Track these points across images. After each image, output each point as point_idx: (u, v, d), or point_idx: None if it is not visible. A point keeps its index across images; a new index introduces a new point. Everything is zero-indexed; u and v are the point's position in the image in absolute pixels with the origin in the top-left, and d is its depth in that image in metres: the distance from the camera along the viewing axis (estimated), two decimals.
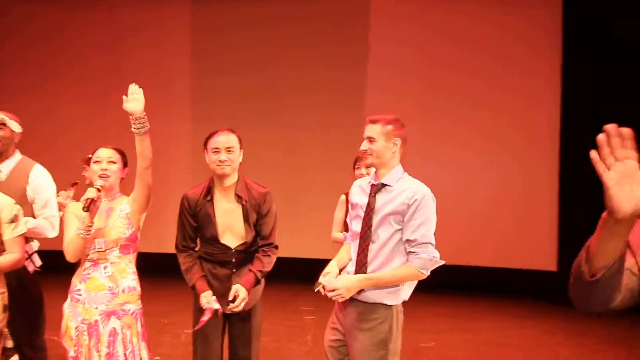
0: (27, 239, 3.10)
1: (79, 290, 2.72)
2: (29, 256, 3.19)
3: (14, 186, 3.14)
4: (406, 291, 2.60)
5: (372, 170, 2.72)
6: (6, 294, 2.75)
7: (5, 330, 2.79)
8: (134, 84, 2.63)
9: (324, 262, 2.76)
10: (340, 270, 2.66)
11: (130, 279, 2.77)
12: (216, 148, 2.83)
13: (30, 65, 8.22)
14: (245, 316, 2.92)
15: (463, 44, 7.30)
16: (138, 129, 2.63)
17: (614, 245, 1.26)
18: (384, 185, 2.54)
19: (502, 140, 7.26)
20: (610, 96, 6.20)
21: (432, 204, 2.50)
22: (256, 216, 2.91)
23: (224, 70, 7.96)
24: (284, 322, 5.58)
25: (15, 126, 3.28)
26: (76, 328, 2.69)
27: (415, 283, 2.63)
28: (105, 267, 2.70)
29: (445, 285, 7.13)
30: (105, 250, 2.70)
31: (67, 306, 2.76)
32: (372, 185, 2.58)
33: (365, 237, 2.53)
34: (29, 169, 3.26)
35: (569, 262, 1.44)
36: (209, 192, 2.91)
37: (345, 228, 3.25)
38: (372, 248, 2.52)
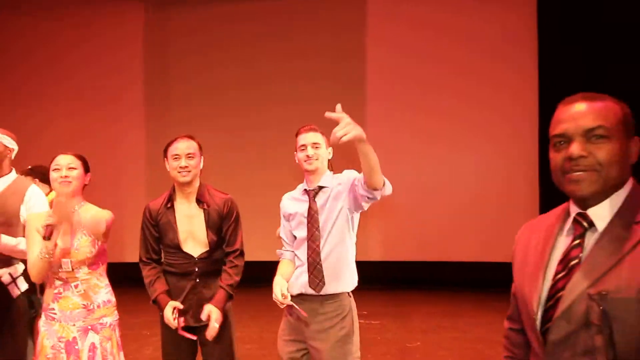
0: (12, 260, 3.01)
1: (53, 309, 2.64)
2: (14, 280, 3.05)
3: (8, 204, 3.05)
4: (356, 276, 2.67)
5: None
6: None
7: None
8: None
9: None
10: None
11: (103, 292, 2.71)
12: (176, 155, 2.80)
13: None
14: (218, 334, 2.79)
15: (443, 38, 7.31)
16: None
17: None
18: (321, 187, 2.63)
19: (485, 134, 7.29)
20: (587, 86, 6.20)
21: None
22: (219, 222, 2.86)
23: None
24: (269, 328, 5.49)
25: (9, 142, 3.17)
26: (52, 347, 2.61)
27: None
28: (76, 286, 2.63)
29: (430, 282, 7.13)
30: (73, 270, 2.62)
31: (42, 324, 2.68)
32: (308, 191, 2.65)
33: (314, 238, 2.59)
34: (25, 188, 3.14)
35: None
36: (169, 200, 2.87)
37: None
38: (323, 244, 2.57)
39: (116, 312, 2.77)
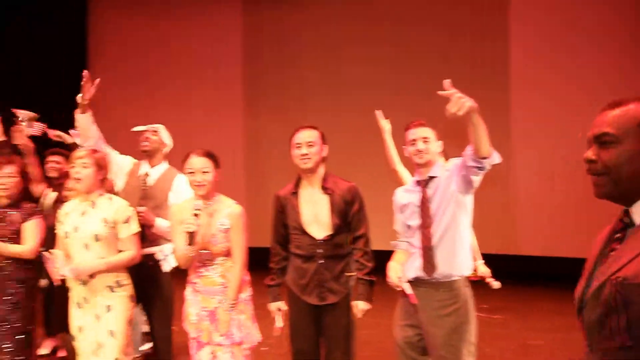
0: (160, 240, 3.46)
1: (197, 283, 3.01)
2: (165, 257, 3.51)
3: (159, 191, 3.52)
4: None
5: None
6: (131, 286, 3.05)
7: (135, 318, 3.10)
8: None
9: None
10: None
11: None
12: (298, 143, 3.00)
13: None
14: (337, 313, 3.02)
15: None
16: None
17: None
18: (431, 177, 2.76)
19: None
20: None
21: None
22: (344, 207, 3.01)
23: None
24: (385, 314, 5.58)
25: (166, 138, 3.64)
26: (196, 314, 2.98)
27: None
28: (214, 268, 2.97)
29: (557, 279, 6.77)
30: (212, 259, 2.96)
31: (188, 294, 3.06)
32: (420, 181, 2.78)
33: (426, 225, 2.70)
34: (173, 177, 3.60)
35: None
36: (296, 186, 3.08)
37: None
38: (435, 229, 2.70)
39: (249, 288, 3.07)
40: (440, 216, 2.69)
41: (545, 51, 7.13)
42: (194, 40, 8.91)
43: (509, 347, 4.75)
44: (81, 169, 2.95)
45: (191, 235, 2.81)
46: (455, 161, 2.71)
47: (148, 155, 3.65)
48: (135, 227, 3.05)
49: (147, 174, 3.62)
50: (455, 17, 7.62)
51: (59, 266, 2.86)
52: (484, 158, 2.43)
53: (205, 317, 2.97)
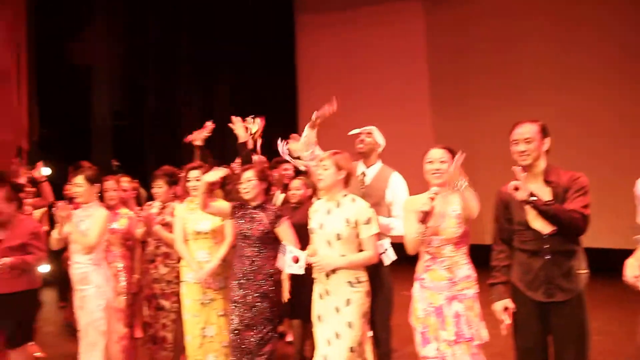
0: (383, 236, 3.62)
1: (424, 279, 3.11)
2: (385, 250, 3.69)
3: (376, 189, 3.74)
4: None
5: None
6: (368, 282, 3.25)
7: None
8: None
9: None
10: None
11: (465, 268, 3.06)
12: (515, 140, 2.94)
13: None
14: (567, 312, 2.86)
15: None
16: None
17: None
18: None
19: None
20: None
21: None
22: (567, 197, 2.85)
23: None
24: (620, 320, 5.14)
25: (379, 139, 3.88)
26: (423, 309, 3.08)
27: None
28: (442, 262, 3.03)
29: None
30: (440, 246, 3.03)
31: (415, 290, 3.17)
32: None
33: None
34: (389, 175, 3.81)
35: None
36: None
37: None
38: None
39: (476, 285, 3.08)
40: None
41: None
42: (382, 43, 9.67)
43: None
44: (322, 170, 3.23)
45: (425, 215, 2.92)
46: None
47: (364, 155, 3.88)
48: (375, 228, 3.22)
49: (364, 174, 3.84)
50: None
51: (287, 260, 3.25)
52: None
53: (432, 313, 3.04)
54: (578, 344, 2.87)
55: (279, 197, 4.71)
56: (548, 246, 2.87)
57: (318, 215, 3.31)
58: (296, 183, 4.52)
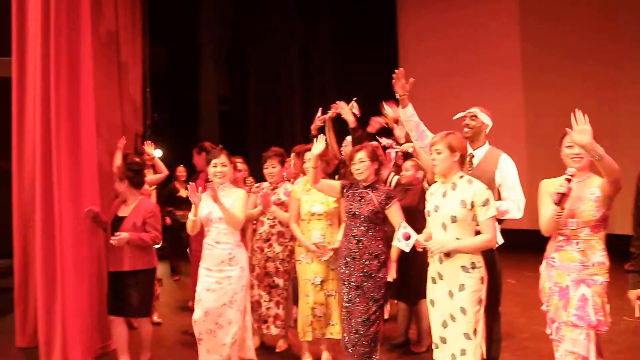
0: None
1: (554, 258, 3.00)
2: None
3: (484, 171, 3.60)
4: None
5: None
6: (484, 268, 3.16)
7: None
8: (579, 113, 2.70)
9: None
10: None
11: (599, 254, 2.91)
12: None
13: None
14: None
15: None
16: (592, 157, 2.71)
17: None
18: None
19: None
20: None
21: None
22: None
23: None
24: None
25: (485, 119, 3.74)
26: (549, 288, 3.01)
27: None
28: (577, 243, 2.91)
29: None
30: (577, 229, 2.90)
31: (542, 268, 3.10)
32: None
33: None
34: (497, 156, 3.68)
35: None
36: None
37: None
38: None
39: (607, 274, 2.91)
40: None
41: None
42: (477, 26, 9.77)
43: None
44: (436, 155, 3.15)
45: (561, 197, 2.82)
46: None
47: (470, 139, 3.73)
48: (493, 211, 3.11)
49: (472, 156, 3.70)
50: None
51: (398, 234, 3.24)
52: None
53: (556, 292, 2.96)
54: None
55: (393, 179, 4.68)
56: None
57: (434, 198, 3.24)
58: (408, 164, 4.52)
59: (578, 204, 2.88)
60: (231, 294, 3.78)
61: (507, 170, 3.61)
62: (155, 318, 5.56)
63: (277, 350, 4.66)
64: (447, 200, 3.16)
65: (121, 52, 5.59)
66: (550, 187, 2.98)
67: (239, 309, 3.82)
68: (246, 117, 10.37)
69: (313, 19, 10.67)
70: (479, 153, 3.72)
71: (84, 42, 4.10)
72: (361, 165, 3.74)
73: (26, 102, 3.84)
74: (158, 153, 6.48)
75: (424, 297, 3.38)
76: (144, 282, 4.09)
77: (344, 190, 3.85)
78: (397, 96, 3.69)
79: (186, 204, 5.56)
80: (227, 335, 3.78)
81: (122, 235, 3.89)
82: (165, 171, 5.57)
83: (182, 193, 7.20)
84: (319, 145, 3.77)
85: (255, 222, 4.58)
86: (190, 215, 3.81)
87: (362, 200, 3.74)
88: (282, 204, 4.41)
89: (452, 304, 3.12)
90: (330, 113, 4.71)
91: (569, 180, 2.82)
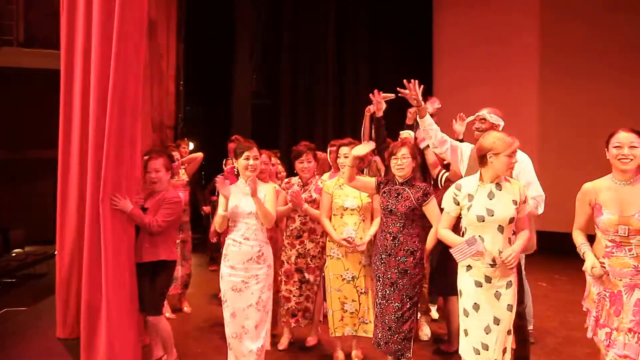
0: None
1: (603, 263, 2.94)
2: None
3: None
4: None
5: None
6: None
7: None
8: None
9: None
10: None
11: None
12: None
13: None
14: None
15: None
16: None
17: None
18: None
19: None
20: None
21: None
22: None
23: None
24: None
25: (495, 119, 3.73)
26: (598, 294, 2.96)
27: None
28: (629, 250, 2.86)
29: None
30: (628, 236, 2.86)
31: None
32: None
33: None
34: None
35: None
36: None
37: None
38: None
39: None
40: None
41: None
42: (498, 20, 9.69)
43: None
44: (504, 160, 3.01)
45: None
46: None
47: None
48: (529, 206, 3.14)
49: None
50: None
51: (469, 250, 2.98)
52: None
53: (606, 297, 2.92)
54: None
55: (444, 176, 4.55)
56: None
57: (479, 200, 3.06)
58: None
59: (630, 210, 2.84)
60: (258, 293, 3.67)
61: (522, 166, 3.57)
62: (186, 309, 5.65)
63: (306, 344, 4.67)
64: (498, 202, 3.03)
65: (156, 44, 5.60)
66: (591, 194, 2.97)
67: (265, 310, 3.72)
68: (278, 111, 10.39)
69: (347, 14, 10.62)
70: None
71: (137, 33, 3.87)
72: (404, 162, 3.74)
73: (73, 94, 3.85)
74: (190, 146, 6.59)
75: (455, 293, 3.30)
76: (159, 277, 3.91)
77: (380, 186, 3.86)
78: (415, 108, 3.76)
79: None
80: (254, 342, 3.67)
81: (126, 202, 3.69)
82: (199, 155, 5.81)
83: None
84: (364, 148, 3.78)
85: (286, 218, 4.53)
86: (220, 211, 3.70)
87: (399, 197, 3.74)
88: (313, 201, 4.39)
89: (499, 304, 3.05)
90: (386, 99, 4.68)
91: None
